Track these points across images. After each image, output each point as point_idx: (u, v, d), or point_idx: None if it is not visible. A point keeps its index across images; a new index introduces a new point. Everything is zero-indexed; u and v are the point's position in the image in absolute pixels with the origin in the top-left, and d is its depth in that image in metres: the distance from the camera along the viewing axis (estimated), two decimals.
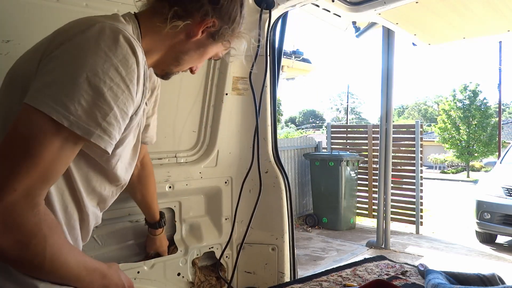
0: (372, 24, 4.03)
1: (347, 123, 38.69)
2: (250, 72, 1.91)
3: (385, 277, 1.63)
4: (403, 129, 8.11)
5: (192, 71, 1.13)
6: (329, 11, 2.00)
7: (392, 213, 6.55)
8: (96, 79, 0.76)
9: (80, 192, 0.91)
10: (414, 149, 7.28)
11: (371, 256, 1.94)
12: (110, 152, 0.81)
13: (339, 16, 2.05)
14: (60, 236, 0.78)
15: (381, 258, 1.90)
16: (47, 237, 0.73)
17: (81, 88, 0.75)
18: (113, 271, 0.95)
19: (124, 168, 1.02)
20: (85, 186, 0.93)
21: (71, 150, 0.78)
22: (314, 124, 60.54)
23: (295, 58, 7.78)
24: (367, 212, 7.90)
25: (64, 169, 0.80)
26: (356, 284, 1.55)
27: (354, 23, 2.92)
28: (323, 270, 1.75)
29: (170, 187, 1.83)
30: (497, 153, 19.12)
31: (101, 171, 0.95)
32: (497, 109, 20.14)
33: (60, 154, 0.76)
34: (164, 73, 1.11)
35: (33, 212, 0.72)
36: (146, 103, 1.10)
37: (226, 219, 2.02)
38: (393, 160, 6.75)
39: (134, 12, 1.03)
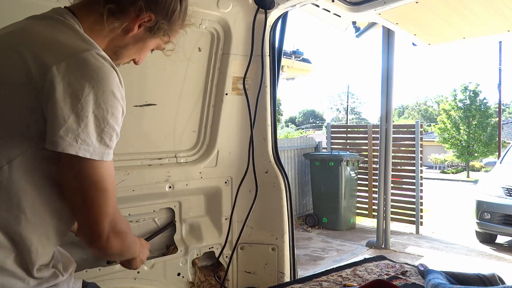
0: (372, 24, 4.02)
1: (347, 123, 38.65)
2: (244, 76, 1.91)
3: (385, 277, 1.63)
4: (403, 129, 8.12)
5: (135, 62, 1.15)
6: (329, 11, 2.00)
7: (392, 213, 6.54)
8: (100, 111, 0.87)
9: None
10: (414, 149, 7.27)
11: (371, 256, 1.94)
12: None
13: (339, 16, 2.05)
14: (129, 229, 1.04)
15: (381, 258, 1.90)
16: (127, 234, 1.02)
17: (91, 122, 0.86)
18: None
19: None
20: None
21: (111, 168, 0.94)
22: (314, 124, 60.49)
23: (295, 58, 7.78)
24: (367, 212, 7.89)
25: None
26: (356, 284, 1.55)
27: (354, 23, 2.93)
28: (323, 270, 1.75)
29: (170, 187, 1.83)
30: (497, 153, 19.11)
31: None
32: (497, 109, 20.14)
33: (110, 173, 0.93)
34: None
35: (121, 220, 0.98)
36: None
37: (226, 219, 2.02)
38: (393, 160, 6.74)
39: (68, 7, 1.03)
